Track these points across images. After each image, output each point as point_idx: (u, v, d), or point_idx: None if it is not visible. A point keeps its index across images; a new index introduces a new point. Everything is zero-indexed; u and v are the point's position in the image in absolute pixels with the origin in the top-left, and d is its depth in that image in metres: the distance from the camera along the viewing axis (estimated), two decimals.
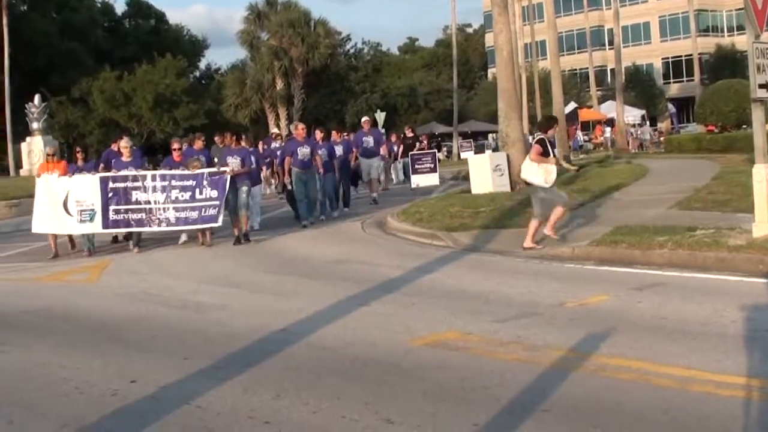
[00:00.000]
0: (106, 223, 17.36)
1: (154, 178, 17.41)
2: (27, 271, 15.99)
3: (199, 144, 19.96)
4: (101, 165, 18.88)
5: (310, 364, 7.92)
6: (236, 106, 67.43)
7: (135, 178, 17.35)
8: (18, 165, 51.73)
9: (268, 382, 7.35)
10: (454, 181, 34.74)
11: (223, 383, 7.35)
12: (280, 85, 66.74)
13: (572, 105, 65.15)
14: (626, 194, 21.38)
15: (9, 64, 56.41)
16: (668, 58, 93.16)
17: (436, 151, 36.69)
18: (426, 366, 7.64)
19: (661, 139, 59.11)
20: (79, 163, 18.74)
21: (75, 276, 14.92)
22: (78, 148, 19.85)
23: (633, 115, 67.08)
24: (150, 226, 17.48)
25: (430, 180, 31.79)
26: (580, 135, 61.05)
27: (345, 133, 25.34)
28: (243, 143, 19.42)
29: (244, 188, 17.89)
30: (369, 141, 25.49)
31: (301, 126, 21.05)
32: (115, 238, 19.57)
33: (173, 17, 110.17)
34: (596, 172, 30.00)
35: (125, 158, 18.15)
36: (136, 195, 17.25)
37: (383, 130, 38.45)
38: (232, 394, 7.03)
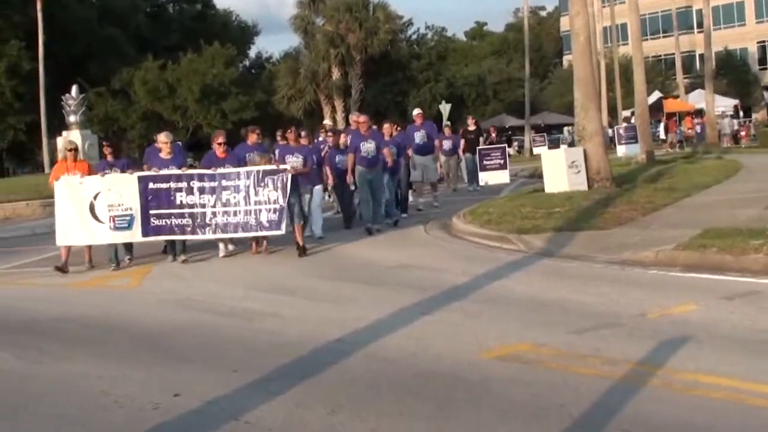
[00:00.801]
0: (147, 230, 16.04)
1: (201, 177, 16.18)
2: (63, 275, 16.14)
3: (253, 138, 18.42)
4: (144, 165, 17.53)
5: (369, 376, 7.95)
6: (289, 98, 67.67)
7: (179, 178, 16.10)
8: (53, 161, 51.72)
9: (323, 396, 7.38)
10: (525, 178, 34.60)
11: (274, 397, 7.38)
12: (336, 74, 66.91)
13: (656, 95, 64.55)
14: (716, 193, 21.14)
15: (44, 53, 56.62)
16: (764, 41, 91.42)
17: (506, 145, 36.55)
18: (495, 380, 7.62)
19: (742, 134, 57.85)
20: (109, 158, 17.23)
21: (115, 281, 15.08)
22: (106, 143, 18.26)
23: (724, 105, 66.05)
24: (197, 233, 16.21)
25: (500, 177, 31.73)
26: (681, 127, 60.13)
27: (397, 127, 22.59)
28: (303, 140, 18.94)
29: (306, 194, 17.67)
30: (421, 136, 24.25)
31: (363, 118, 20.18)
32: (166, 249, 17.76)
33: (221, 2, 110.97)
34: (683, 168, 29.71)
35: (165, 155, 16.96)
36: (180, 197, 16.03)
37: (448, 123, 37.95)
38: (284, 409, 7.07)
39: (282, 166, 16.49)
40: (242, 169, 16.37)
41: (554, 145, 57.08)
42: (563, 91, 73.06)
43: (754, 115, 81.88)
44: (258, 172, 16.17)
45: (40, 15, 57.12)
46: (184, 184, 16.17)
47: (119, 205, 16.03)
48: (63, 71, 62.00)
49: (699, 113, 63.25)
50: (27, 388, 8.35)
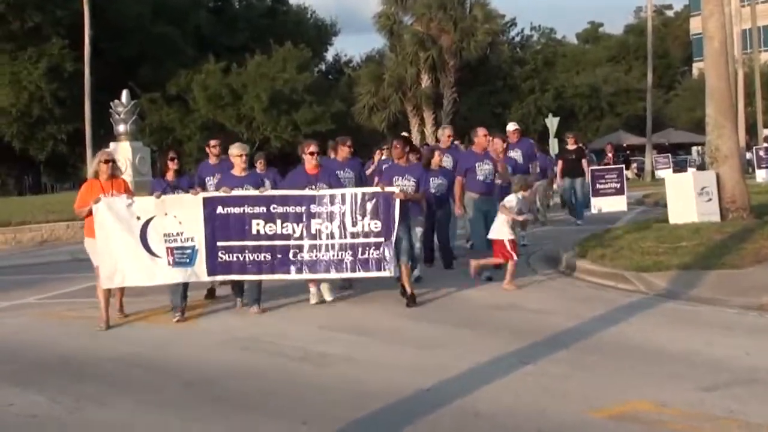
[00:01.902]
0: (213, 267, 14.55)
1: (284, 201, 14.62)
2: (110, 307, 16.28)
3: (344, 152, 17.49)
4: (194, 188, 15.51)
5: None
6: (371, 108, 67.87)
7: (256, 201, 14.63)
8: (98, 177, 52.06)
9: None
10: (645, 206, 34.34)
11: None
12: (426, 81, 67.05)
13: None
14: None
15: (90, 52, 54.24)
16: None
17: (623, 167, 36.21)
18: None
19: None
20: (169, 177, 15.33)
21: (167, 315, 15.12)
22: (171, 154, 15.67)
23: None
24: (277, 272, 14.70)
25: (616, 204, 31.55)
26: None
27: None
28: (412, 158, 16.66)
29: (418, 227, 16.17)
30: (516, 157, 22.30)
31: (482, 132, 18.48)
32: (211, 292, 16.82)
33: None
34: None
35: (238, 172, 15.30)
36: (257, 226, 14.56)
37: (555, 141, 37.71)
38: None
39: (389, 189, 14.83)
40: (338, 191, 14.81)
41: (680, 168, 56.58)
42: (692, 105, 72.42)
43: None
44: (357, 195, 14.67)
45: (86, 9, 54.92)
46: (262, 209, 14.63)
47: (178, 235, 14.43)
48: (111, 74, 62.50)
49: None
50: None
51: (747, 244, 17.99)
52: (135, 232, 14.36)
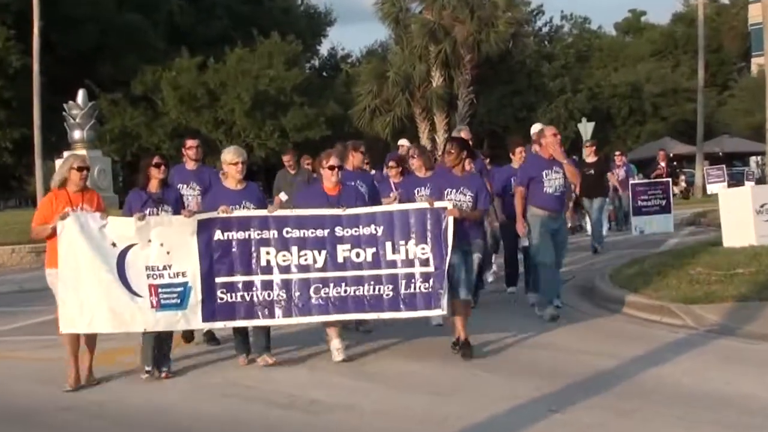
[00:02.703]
0: (211, 311, 13.07)
1: (300, 222, 13.34)
2: (59, 347, 16.23)
3: (357, 159, 16.05)
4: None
5: None
6: (373, 111, 67.65)
7: (265, 224, 13.35)
8: (49, 191, 51.25)
9: None
10: (696, 227, 34.40)
11: None
12: (437, 79, 67.00)
13: None
14: None
15: (40, 45, 53.14)
16: None
17: (669, 180, 36.11)
18: None
19: None
20: (152, 188, 13.52)
21: (131, 357, 15.06)
22: (157, 159, 13.64)
23: None
24: (293, 315, 13.32)
25: (661, 224, 31.55)
26: None
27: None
28: (468, 166, 15.73)
29: (477, 253, 14.86)
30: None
31: (550, 131, 17.21)
32: (211, 335, 15.48)
33: None
34: None
35: (233, 184, 14.02)
36: (267, 255, 13.23)
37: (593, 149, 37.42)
38: None
39: (439, 204, 13.56)
40: (373, 209, 13.78)
41: (737, 181, 56.62)
42: (751, 108, 72.40)
43: None
44: (398, 213, 13.51)
45: None
46: (273, 234, 13.29)
47: (165, 268, 12.91)
48: (66, 70, 62.35)
49: None
50: None
51: None
52: (110, 263, 12.64)
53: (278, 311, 13.25)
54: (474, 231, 14.44)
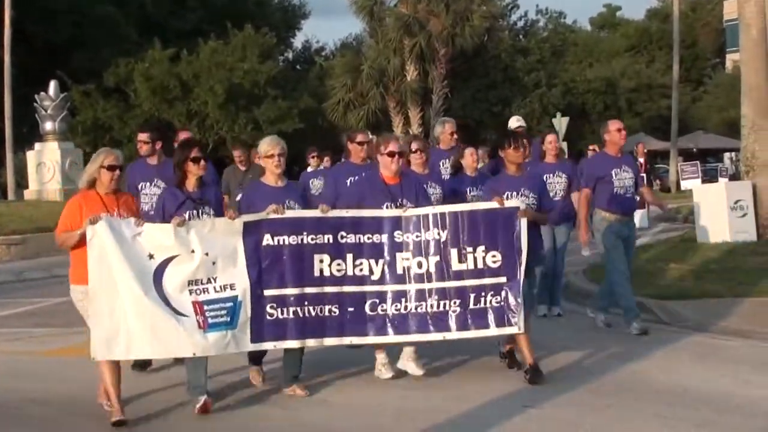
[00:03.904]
0: (260, 329, 11.11)
1: (356, 225, 11.58)
2: (34, 340, 16.30)
3: (357, 154, 13.90)
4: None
5: None
6: (347, 104, 67.69)
7: (319, 227, 11.47)
8: (21, 183, 51.50)
9: None
10: (669, 223, 34.48)
11: None
12: (412, 73, 67.02)
13: None
14: None
15: (11, 36, 53.97)
16: None
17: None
18: None
19: None
20: (189, 186, 11.40)
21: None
22: (195, 153, 11.38)
23: None
24: (347, 334, 11.55)
25: (635, 220, 31.57)
26: None
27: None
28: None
29: (539, 265, 13.93)
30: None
31: (615, 126, 15.39)
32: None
33: None
34: None
35: (273, 181, 11.89)
36: (320, 264, 11.41)
37: (564, 144, 37.29)
38: None
39: (510, 204, 11.84)
40: (436, 210, 11.87)
41: (711, 178, 56.80)
42: (724, 104, 72.77)
43: None
44: (464, 215, 11.71)
45: None
46: (327, 239, 11.45)
47: (210, 281, 10.98)
48: (38, 62, 61.86)
49: None
50: None
51: None
52: (147, 277, 10.66)
53: (330, 330, 11.33)
54: (537, 240, 12.62)
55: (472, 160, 14.39)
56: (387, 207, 11.77)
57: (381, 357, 12.01)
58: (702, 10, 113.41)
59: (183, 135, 14.12)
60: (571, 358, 12.79)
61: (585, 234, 15.17)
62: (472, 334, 11.53)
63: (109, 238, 10.40)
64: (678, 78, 68.57)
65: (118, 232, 10.48)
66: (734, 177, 42.61)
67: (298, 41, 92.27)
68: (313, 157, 20.90)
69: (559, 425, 9.72)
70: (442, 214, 11.60)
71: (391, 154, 11.90)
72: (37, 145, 46.52)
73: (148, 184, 13.46)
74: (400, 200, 11.70)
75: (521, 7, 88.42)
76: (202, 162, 11.12)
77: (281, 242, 11.18)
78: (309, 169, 19.25)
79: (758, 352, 13.08)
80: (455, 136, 15.97)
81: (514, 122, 18.67)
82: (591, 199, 15.12)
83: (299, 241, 11.23)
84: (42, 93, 46.74)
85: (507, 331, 11.51)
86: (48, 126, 46.05)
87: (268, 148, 11.68)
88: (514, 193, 12.15)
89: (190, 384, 10.94)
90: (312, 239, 11.27)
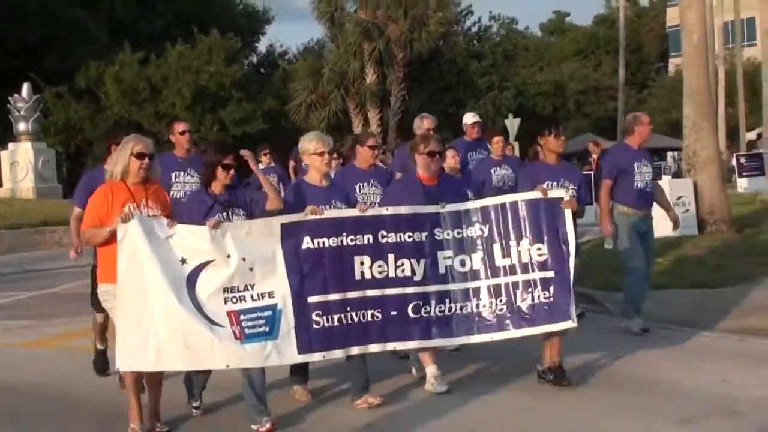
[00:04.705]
0: (307, 339, 9.83)
1: (395, 224, 10.41)
2: (9, 332, 16.18)
3: (366, 158, 12.29)
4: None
5: None
6: (309, 106, 67.61)
7: (360, 227, 10.32)
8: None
9: None
10: None
11: None
12: (371, 76, 67.01)
13: None
14: None
15: None
16: None
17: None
18: None
19: None
20: (216, 188, 10.08)
21: (80, 341, 14.76)
22: (227, 160, 10.04)
23: None
24: (391, 339, 10.29)
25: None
26: None
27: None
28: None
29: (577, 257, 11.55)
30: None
31: (647, 118, 14.83)
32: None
33: None
34: None
35: (317, 180, 10.77)
36: (361, 266, 10.21)
37: (516, 144, 37.46)
38: None
39: (554, 194, 10.84)
40: (477, 203, 10.80)
41: (654, 175, 56.93)
42: (668, 106, 73.07)
43: None
44: (507, 207, 10.67)
45: None
46: (368, 239, 10.29)
47: (247, 288, 9.67)
48: (11, 63, 61.52)
49: None
50: None
51: (727, 260, 18.24)
52: (180, 283, 9.37)
53: (373, 337, 10.11)
54: (576, 232, 11.44)
55: (454, 162, 13.49)
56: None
57: (432, 369, 10.75)
58: (646, 16, 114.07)
59: (179, 126, 12.90)
60: (522, 348, 12.73)
61: (609, 226, 13.87)
62: (522, 332, 10.45)
63: (141, 238, 9.14)
64: (624, 81, 68.74)
65: (151, 233, 9.21)
66: (677, 175, 42.76)
67: (262, 45, 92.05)
68: (264, 155, 20.59)
69: (514, 411, 9.75)
70: (483, 208, 10.56)
71: (431, 154, 10.84)
72: (11, 145, 46.25)
73: (181, 173, 12.42)
74: (439, 200, 10.50)
75: (475, 14, 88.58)
76: (232, 171, 9.85)
77: (321, 245, 9.97)
78: (261, 166, 18.90)
79: (698, 341, 13.15)
80: (432, 131, 14.76)
81: (470, 118, 17.52)
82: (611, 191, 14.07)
83: (339, 243, 10.06)
84: (15, 95, 46.59)
85: (559, 326, 10.43)
86: (21, 126, 45.87)
87: (318, 146, 10.57)
88: (554, 184, 11.19)
89: (249, 404, 9.60)
90: (352, 240, 10.11)
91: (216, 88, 67.90)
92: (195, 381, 10.10)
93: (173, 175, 11.61)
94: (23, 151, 45.45)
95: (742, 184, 46.63)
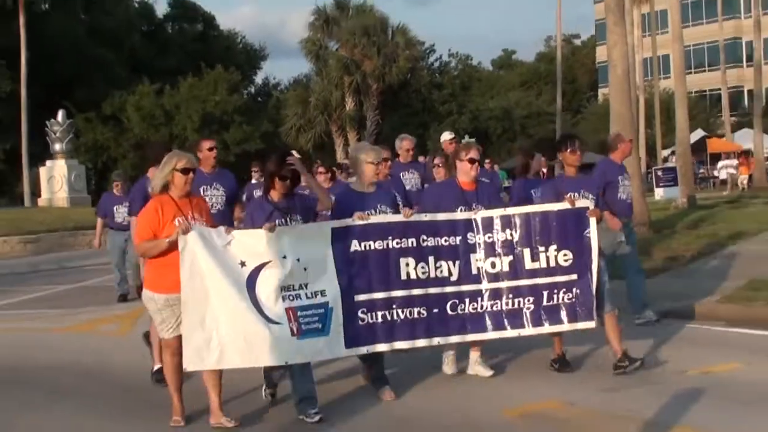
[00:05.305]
0: (355, 334, 9.24)
1: (434, 228, 9.77)
2: (48, 319, 16.18)
3: (405, 152, 13.80)
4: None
5: None
6: (298, 129, 67.71)
7: (404, 231, 9.64)
8: (35, 193, 51.22)
9: None
10: None
11: None
12: (350, 104, 67.05)
13: (699, 133, 64.77)
14: (763, 242, 21.18)
15: (27, 73, 54.79)
16: None
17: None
18: None
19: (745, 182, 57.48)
20: (275, 196, 9.34)
21: (107, 326, 15.03)
22: (284, 171, 9.28)
23: None
24: (434, 335, 9.67)
25: None
26: None
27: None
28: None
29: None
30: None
31: (628, 137, 14.66)
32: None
33: (225, 22, 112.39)
34: (727, 214, 29.76)
35: (365, 187, 9.95)
36: (406, 267, 9.58)
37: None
38: None
39: (580, 204, 10.25)
40: (509, 211, 10.17)
41: None
42: (598, 128, 72.99)
43: None
44: (536, 215, 10.11)
45: (22, 30, 54.84)
46: (411, 242, 9.64)
47: (302, 287, 9.07)
48: (48, 94, 61.74)
49: (746, 154, 63.15)
50: None
51: (646, 256, 18.28)
52: (240, 285, 8.80)
53: (419, 332, 9.54)
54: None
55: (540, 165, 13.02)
56: (460, 211, 10.04)
57: (476, 355, 10.41)
58: (580, 53, 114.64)
59: (207, 143, 11.78)
60: None
61: (617, 222, 11.83)
62: (546, 329, 9.97)
63: (201, 247, 8.62)
64: (561, 107, 69.04)
65: (209, 241, 8.68)
66: None
67: (258, 78, 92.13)
68: (255, 171, 20.22)
69: (472, 383, 9.78)
70: (513, 216, 9.97)
71: (472, 161, 10.17)
72: (48, 163, 46.88)
73: (208, 187, 11.28)
74: (474, 205, 9.95)
75: (437, 51, 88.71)
76: (288, 182, 9.13)
77: (368, 247, 9.37)
78: (253, 181, 18.67)
79: (622, 324, 13.16)
80: (411, 152, 14.60)
81: (447, 135, 16.67)
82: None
83: (385, 246, 9.44)
84: (52, 120, 46.97)
85: (579, 326, 9.93)
86: (57, 147, 46.33)
87: (374, 157, 9.82)
88: (575, 194, 10.47)
89: (299, 396, 8.92)
90: (397, 243, 9.47)
91: (220, 114, 68.30)
92: (274, 372, 9.49)
93: (201, 189, 11.07)
94: (59, 167, 46.15)
95: (659, 192, 46.71)
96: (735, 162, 61.83)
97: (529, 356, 10.88)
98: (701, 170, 62.48)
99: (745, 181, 57.33)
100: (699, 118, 73.66)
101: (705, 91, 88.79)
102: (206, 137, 13.24)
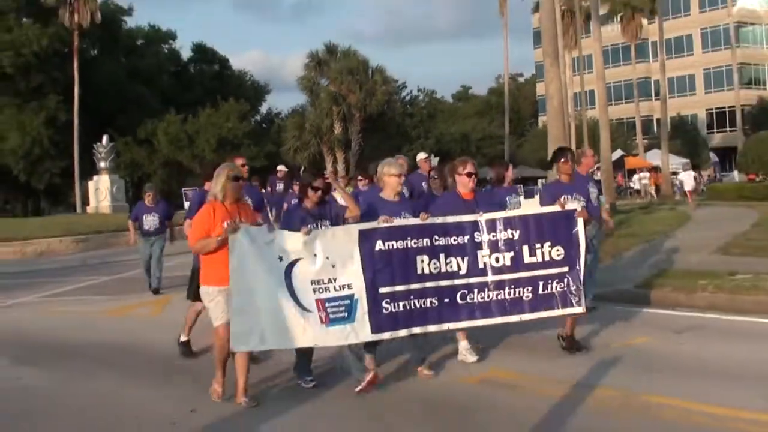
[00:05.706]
0: (379, 321, 8.96)
1: (445, 229, 9.42)
2: (93, 304, 16.16)
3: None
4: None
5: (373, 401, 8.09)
6: (295, 149, 67.75)
7: (421, 232, 9.34)
8: (84, 202, 52.69)
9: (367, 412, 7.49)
10: None
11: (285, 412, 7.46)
12: (338, 129, 67.06)
13: (619, 153, 65.24)
14: (670, 240, 21.32)
15: (78, 106, 58.10)
16: (712, 109, 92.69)
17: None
18: (480, 401, 7.80)
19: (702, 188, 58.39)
20: (309, 204, 9.31)
21: (141, 310, 14.98)
22: (318, 183, 9.36)
23: (677, 163, 67.01)
24: (445, 321, 9.33)
25: None
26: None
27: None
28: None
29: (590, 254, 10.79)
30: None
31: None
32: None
33: (237, 63, 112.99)
34: (641, 218, 29.98)
35: (391, 196, 9.75)
36: (422, 264, 9.26)
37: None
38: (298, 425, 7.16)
39: (570, 206, 9.95)
40: (509, 213, 9.92)
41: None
42: (538, 148, 73.41)
43: (703, 173, 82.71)
44: (533, 216, 9.85)
45: (76, 73, 58.58)
46: (426, 242, 9.37)
47: (330, 281, 8.84)
48: (95, 122, 62.41)
49: (655, 170, 63.94)
50: (56, 402, 8.63)
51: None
52: (279, 277, 8.64)
53: (432, 318, 9.23)
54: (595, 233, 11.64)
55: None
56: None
57: (464, 343, 10.04)
58: (523, 89, 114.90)
59: (239, 160, 11.85)
60: None
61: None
62: (543, 314, 9.55)
63: (247, 244, 8.42)
64: (508, 132, 69.30)
65: (254, 239, 8.50)
66: None
67: (263, 108, 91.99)
68: (359, 180, 19.48)
69: (438, 353, 9.81)
70: (513, 218, 9.66)
71: (470, 174, 9.93)
72: (95, 177, 48.29)
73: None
74: (476, 210, 9.57)
75: (408, 87, 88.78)
76: (319, 193, 9.09)
77: (391, 246, 9.07)
78: (290, 191, 18.39)
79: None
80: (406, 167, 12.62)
81: (422, 155, 16.34)
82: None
83: (405, 245, 9.14)
84: (98, 143, 48.47)
85: (571, 311, 9.57)
86: (102, 164, 47.75)
87: (398, 170, 9.67)
88: (568, 197, 10.38)
89: (354, 367, 8.99)
90: (415, 243, 9.19)
91: (233, 138, 68.74)
92: (301, 363, 9.23)
93: None
94: (103, 181, 47.32)
95: None
96: (647, 175, 62.56)
97: (490, 339, 10.87)
98: (620, 182, 62.89)
99: (653, 191, 58.15)
100: (618, 140, 73.88)
101: (623, 119, 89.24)
102: (227, 155, 13.30)
